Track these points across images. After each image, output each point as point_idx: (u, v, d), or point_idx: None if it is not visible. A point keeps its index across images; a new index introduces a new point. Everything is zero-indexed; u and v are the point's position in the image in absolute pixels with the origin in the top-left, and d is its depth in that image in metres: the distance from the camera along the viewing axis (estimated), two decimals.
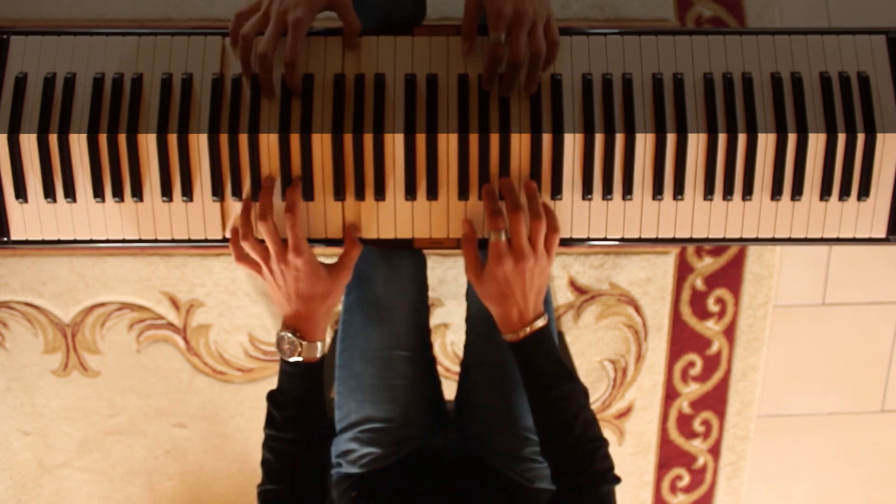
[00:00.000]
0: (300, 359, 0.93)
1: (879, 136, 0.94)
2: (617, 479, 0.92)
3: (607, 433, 1.91)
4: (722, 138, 0.94)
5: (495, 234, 0.89)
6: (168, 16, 1.67)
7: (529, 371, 0.93)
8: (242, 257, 0.94)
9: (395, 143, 0.93)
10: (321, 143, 0.93)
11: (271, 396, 0.96)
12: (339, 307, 1.14)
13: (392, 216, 0.96)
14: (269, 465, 0.95)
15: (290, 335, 0.93)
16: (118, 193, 0.94)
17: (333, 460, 1.12)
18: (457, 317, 1.80)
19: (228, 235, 0.95)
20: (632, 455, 1.94)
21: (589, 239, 0.97)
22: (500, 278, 0.89)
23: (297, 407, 0.94)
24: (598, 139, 0.93)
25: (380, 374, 1.08)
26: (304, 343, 0.93)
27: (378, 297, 1.08)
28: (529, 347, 0.92)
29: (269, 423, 0.96)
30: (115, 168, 0.93)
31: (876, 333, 1.94)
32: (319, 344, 0.95)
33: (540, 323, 0.92)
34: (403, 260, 1.09)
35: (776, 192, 0.95)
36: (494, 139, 0.93)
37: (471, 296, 1.14)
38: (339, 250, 0.97)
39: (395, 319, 1.08)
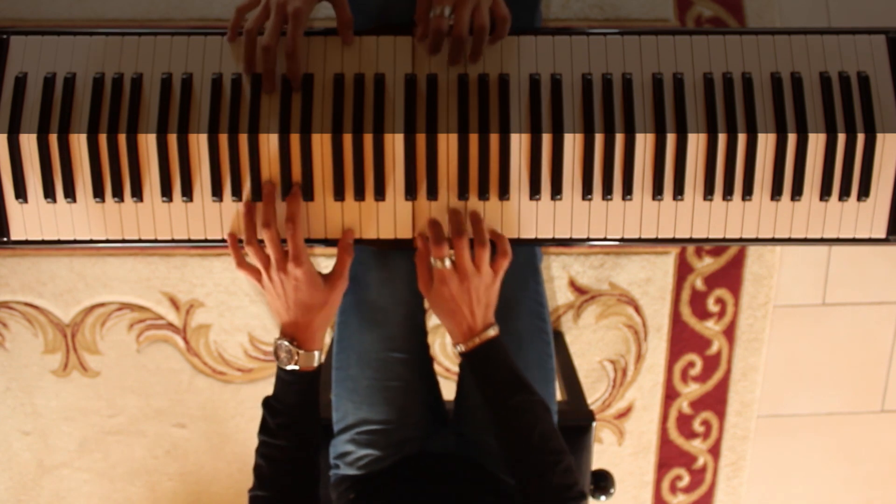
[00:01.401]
0: (296, 367, 0.93)
1: (879, 136, 0.94)
2: (581, 496, 0.91)
3: (607, 433, 1.91)
4: (722, 138, 0.94)
5: (440, 262, 0.91)
6: (168, 16, 1.67)
7: (482, 381, 0.94)
8: (243, 263, 0.93)
9: (394, 144, 0.93)
10: (321, 144, 0.93)
11: (266, 403, 0.96)
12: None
13: (392, 216, 0.96)
14: (261, 470, 0.95)
15: (287, 344, 0.92)
16: (118, 194, 0.94)
17: (331, 461, 1.12)
18: None
19: (227, 237, 0.95)
20: (632, 455, 1.94)
21: (589, 239, 0.97)
22: (445, 296, 0.92)
23: (292, 415, 0.94)
24: (598, 139, 0.93)
25: (375, 376, 1.08)
26: (301, 352, 0.93)
27: (372, 299, 1.08)
28: (480, 358, 0.94)
29: (263, 429, 0.95)
30: (115, 168, 0.93)
31: (876, 333, 1.94)
32: (317, 353, 0.94)
33: (491, 333, 0.93)
34: (397, 262, 1.09)
35: (776, 193, 0.95)
36: (494, 139, 0.93)
37: None
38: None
39: (390, 321, 1.08)
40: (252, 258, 0.92)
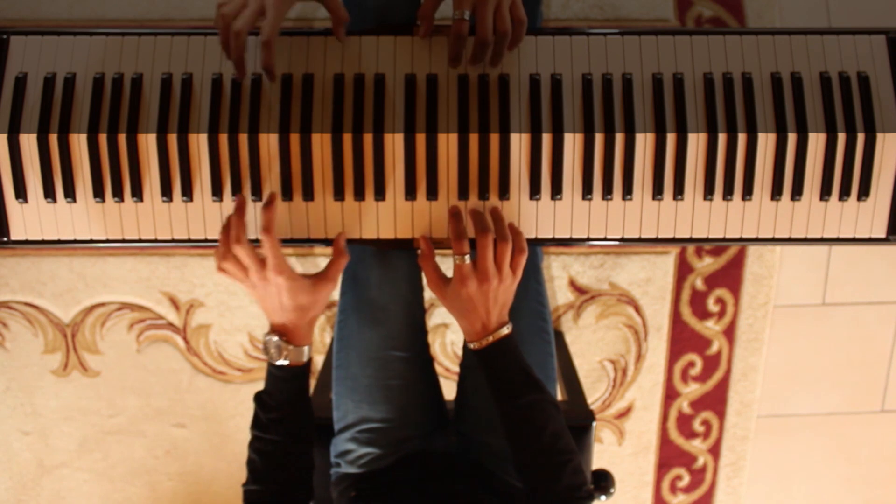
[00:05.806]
0: (287, 362, 0.94)
1: (879, 136, 0.94)
2: (590, 496, 0.90)
3: (607, 433, 1.91)
4: (722, 138, 0.94)
5: (459, 258, 0.90)
6: (168, 16, 1.67)
7: (494, 380, 0.93)
8: (223, 269, 0.92)
9: (394, 144, 0.93)
10: (321, 143, 0.93)
11: (258, 397, 0.97)
12: (336, 308, 1.14)
13: (392, 216, 0.96)
14: (254, 465, 0.96)
15: (276, 339, 0.93)
16: (118, 193, 0.94)
17: (333, 460, 1.12)
18: None
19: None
20: (632, 455, 1.94)
21: (589, 239, 0.97)
22: (463, 297, 0.90)
23: (283, 409, 0.95)
24: (598, 139, 0.93)
25: (376, 374, 1.08)
26: (291, 347, 0.93)
27: (372, 297, 1.08)
28: (493, 356, 0.92)
29: (255, 423, 0.97)
30: (115, 168, 0.93)
31: (876, 333, 1.94)
32: (306, 348, 0.95)
33: (504, 331, 0.92)
34: (397, 261, 1.09)
35: (776, 192, 0.95)
36: (494, 139, 0.93)
37: None
38: None
39: (390, 320, 1.08)
40: (232, 270, 0.91)
